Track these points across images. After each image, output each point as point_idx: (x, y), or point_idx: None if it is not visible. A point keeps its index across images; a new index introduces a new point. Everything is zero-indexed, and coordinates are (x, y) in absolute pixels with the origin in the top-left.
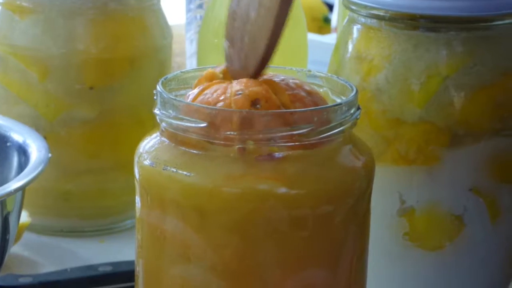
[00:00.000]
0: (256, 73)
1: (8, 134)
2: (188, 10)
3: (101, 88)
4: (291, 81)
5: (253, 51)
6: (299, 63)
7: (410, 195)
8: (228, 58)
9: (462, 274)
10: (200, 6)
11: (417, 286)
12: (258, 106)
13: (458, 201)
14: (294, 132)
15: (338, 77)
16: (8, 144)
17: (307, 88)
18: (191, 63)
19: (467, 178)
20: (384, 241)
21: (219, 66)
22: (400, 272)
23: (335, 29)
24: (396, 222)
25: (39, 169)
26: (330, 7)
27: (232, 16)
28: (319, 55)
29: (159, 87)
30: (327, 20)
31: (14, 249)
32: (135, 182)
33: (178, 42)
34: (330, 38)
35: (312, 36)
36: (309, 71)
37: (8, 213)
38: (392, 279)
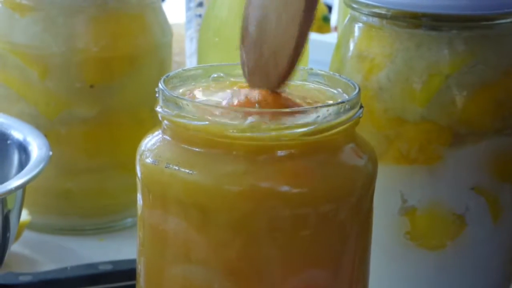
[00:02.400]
0: (277, 87)
1: (8, 132)
2: (188, 9)
3: (101, 87)
4: None
5: (274, 64)
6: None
7: (411, 194)
8: (245, 69)
9: (463, 273)
10: (200, 4)
11: (418, 285)
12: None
13: (459, 200)
14: (297, 130)
15: (340, 76)
16: (9, 142)
17: None
18: (191, 62)
19: (469, 177)
20: (385, 240)
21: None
22: (401, 272)
23: (335, 28)
24: (398, 221)
25: (40, 167)
26: (329, 8)
27: (248, 23)
28: (319, 55)
29: (161, 85)
30: (326, 19)
31: (14, 248)
32: (137, 180)
33: (177, 41)
34: (331, 37)
35: (312, 36)
36: (311, 69)
37: (9, 211)
38: (393, 278)
